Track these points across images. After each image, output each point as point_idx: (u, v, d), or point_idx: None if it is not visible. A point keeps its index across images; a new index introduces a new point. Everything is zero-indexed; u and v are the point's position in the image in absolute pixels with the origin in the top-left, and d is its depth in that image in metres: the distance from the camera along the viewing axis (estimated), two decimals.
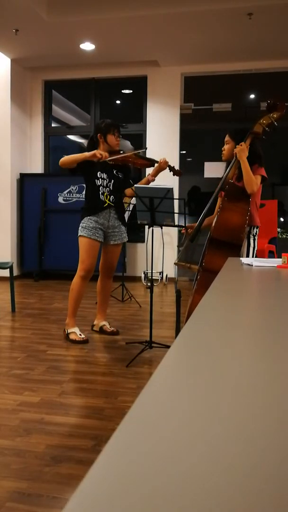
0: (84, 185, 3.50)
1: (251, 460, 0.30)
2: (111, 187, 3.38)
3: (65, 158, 3.28)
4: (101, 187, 3.36)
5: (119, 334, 3.59)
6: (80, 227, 3.38)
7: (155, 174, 3.40)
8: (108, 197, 3.37)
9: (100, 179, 3.36)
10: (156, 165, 3.36)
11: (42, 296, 5.30)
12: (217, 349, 0.57)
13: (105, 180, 3.37)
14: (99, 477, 0.28)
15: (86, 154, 3.23)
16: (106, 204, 3.36)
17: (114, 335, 3.56)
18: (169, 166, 3.38)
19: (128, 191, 3.52)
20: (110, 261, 3.52)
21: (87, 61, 6.24)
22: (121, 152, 3.42)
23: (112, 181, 3.38)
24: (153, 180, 3.43)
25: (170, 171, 3.45)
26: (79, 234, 3.38)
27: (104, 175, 3.37)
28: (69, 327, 3.42)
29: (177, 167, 6.37)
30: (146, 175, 3.53)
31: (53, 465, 1.70)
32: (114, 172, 3.40)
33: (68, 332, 3.40)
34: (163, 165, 3.32)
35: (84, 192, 3.53)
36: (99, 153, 3.19)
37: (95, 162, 3.32)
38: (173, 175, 3.52)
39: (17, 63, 6.37)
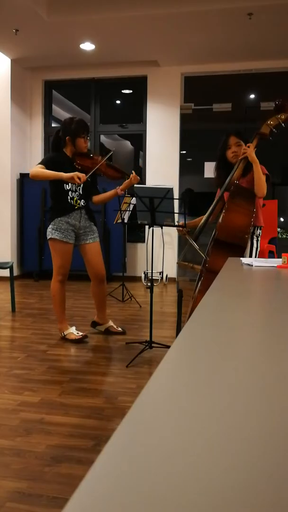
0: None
1: (251, 460, 0.30)
2: (80, 191, 3.32)
3: (37, 173, 3.12)
4: (70, 192, 3.28)
5: (126, 333, 3.59)
6: (50, 229, 3.28)
7: (124, 189, 3.31)
8: (78, 201, 3.31)
9: (69, 184, 3.26)
10: (127, 179, 3.28)
11: (42, 296, 5.30)
12: (217, 349, 0.57)
13: (74, 185, 3.28)
14: (99, 477, 0.28)
15: (63, 175, 3.09)
16: (77, 207, 3.31)
17: (122, 335, 3.56)
18: (140, 182, 3.28)
19: (94, 199, 3.43)
20: (94, 265, 3.40)
21: (87, 61, 6.24)
22: (91, 155, 3.34)
23: (82, 185, 3.29)
24: (122, 194, 3.35)
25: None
26: (49, 237, 3.28)
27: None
28: (64, 330, 3.42)
29: (176, 167, 6.43)
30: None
31: (53, 465, 1.70)
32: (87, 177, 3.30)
33: (65, 334, 3.40)
34: (134, 181, 3.24)
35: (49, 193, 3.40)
36: (77, 176, 3.06)
37: (64, 166, 3.20)
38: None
39: (17, 63, 6.37)
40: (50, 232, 3.28)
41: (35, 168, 3.17)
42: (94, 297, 3.55)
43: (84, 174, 3.12)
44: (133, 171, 3.31)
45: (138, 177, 3.28)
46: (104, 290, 3.53)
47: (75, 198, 3.30)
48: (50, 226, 3.29)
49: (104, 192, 3.47)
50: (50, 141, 3.44)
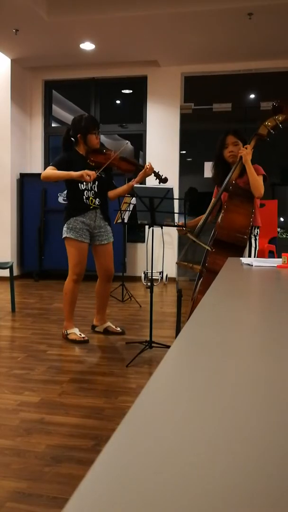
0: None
1: (251, 460, 0.30)
2: (95, 189, 3.31)
3: (48, 174, 3.15)
4: (85, 191, 3.28)
5: (125, 333, 3.59)
6: (65, 228, 3.29)
7: (139, 180, 3.26)
8: (93, 200, 3.30)
9: (84, 183, 3.27)
10: (141, 171, 3.25)
11: (42, 296, 5.30)
12: (217, 349, 0.57)
13: (89, 184, 3.28)
14: (99, 477, 0.28)
15: (73, 174, 3.11)
16: (92, 207, 3.31)
17: (121, 335, 3.55)
18: (155, 172, 3.27)
19: (110, 194, 3.41)
20: (104, 263, 3.44)
21: (87, 61, 6.24)
22: (104, 151, 3.31)
23: (97, 182, 3.30)
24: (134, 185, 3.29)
25: (156, 179, 3.33)
26: (64, 236, 3.30)
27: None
28: (68, 329, 3.42)
29: (176, 167, 6.43)
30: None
31: (53, 465, 1.70)
32: (97, 173, 3.29)
33: (68, 333, 3.40)
34: (149, 172, 3.21)
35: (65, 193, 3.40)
36: (87, 174, 3.06)
37: (76, 165, 3.21)
38: (159, 182, 3.36)
39: (17, 63, 6.37)
40: (65, 231, 3.30)
41: (46, 169, 3.20)
42: (98, 296, 3.57)
43: (94, 172, 3.11)
44: (149, 162, 3.28)
45: (153, 167, 3.24)
46: (109, 289, 3.58)
47: (90, 198, 3.29)
48: (65, 225, 3.31)
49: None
50: (60, 141, 3.43)
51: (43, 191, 6.37)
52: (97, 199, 3.32)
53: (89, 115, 3.37)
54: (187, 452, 0.30)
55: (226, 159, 2.84)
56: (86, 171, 3.09)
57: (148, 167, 3.22)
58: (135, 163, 3.36)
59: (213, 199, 2.91)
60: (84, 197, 3.28)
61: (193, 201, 7.81)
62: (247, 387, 0.43)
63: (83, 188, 3.28)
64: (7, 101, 6.29)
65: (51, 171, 3.17)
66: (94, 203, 3.31)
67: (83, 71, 6.55)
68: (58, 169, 3.19)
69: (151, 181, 3.20)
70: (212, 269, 2.54)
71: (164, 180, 3.34)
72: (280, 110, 2.73)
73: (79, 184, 3.26)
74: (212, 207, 2.86)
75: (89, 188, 3.29)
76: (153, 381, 0.43)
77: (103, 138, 7.62)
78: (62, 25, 5.11)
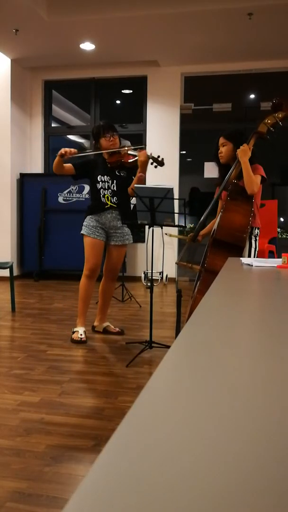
0: (84, 185, 3.51)
1: (251, 460, 0.30)
2: (114, 188, 3.35)
3: (54, 164, 3.27)
4: (101, 190, 3.35)
5: (124, 333, 3.60)
6: (83, 225, 3.40)
7: (142, 170, 3.25)
8: (110, 198, 3.34)
9: (100, 182, 3.35)
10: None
11: (42, 296, 5.30)
12: (217, 349, 0.57)
13: (106, 183, 3.35)
14: (99, 477, 0.28)
15: (60, 151, 3.18)
16: (108, 206, 3.35)
17: (120, 335, 3.56)
18: (150, 157, 3.21)
19: (129, 190, 3.41)
20: (112, 263, 3.50)
21: (87, 61, 6.24)
22: (119, 151, 3.33)
23: (115, 181, 3.36)
24: (142, 176, 3.25)
25: (152, 164, 3.25)
26: (81, 232, 3.39)
27: (106, 177, 3.34)
28: (76, 326, 3.46)
29: (176, 167, 6.43)
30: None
31: (53, 465, 1.70)
32: (116, 172, 3.37)
33: (73, 331, 3.44)
34: (142, 159, 3.19)
35: (83, 192, 3.51)
36: (64, 150, 3.15)
37: (96, 165, 3.34)
38: (155, 167, 3.28)
39: (17, 63, 6.37)
40: (82, 228, 3.39)
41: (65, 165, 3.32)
42: (101, 295, 3.60)
43: (72, 149, 3.16)
44: (142, 151, 3.24)
45: (145, 152, 3.21)
46: (113, 288, 3.62)
47: (106, 195, 3.34)
48: (84, 223, 3.39)
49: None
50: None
51: (43, 191, 6.38)
52: (115, 197, 3.35)
53: (103, 121, 3.46)
54: (187, 452, 0.30)
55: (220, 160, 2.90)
56: (65, 148, 3.17)
57: (140, 154, 3.20)
58: (135, 155, 3.33)
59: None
60: (101, 195, 3.35)
61: (196, 201, 7.82)
62: (247, 387, 0.43)
63: (99, 187, 3.35)
64: (7, 101, 6.29)
65: (55, 161, 3.23)
66: (111, 201, 3.34)
67: (83, 71, 6.55)
68: (75, 168, 3.33)
69: (151, 182, 3.20)
70: (211, 269, 2.54)
71: (161, 163, 3.23)
72: (279, 108, 2.74)
73: (97, 183, 3.35)
74: (212, 207, 2.87)
75: (106, 187, 3.35)
76: (153, 381, 0.43)
77: None
78: (62, 25, 5.11)
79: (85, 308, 3.44)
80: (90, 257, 3.36)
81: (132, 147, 3.36)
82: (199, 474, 0.28)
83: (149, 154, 3.23)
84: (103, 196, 3.34)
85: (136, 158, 3.27)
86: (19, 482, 1.59)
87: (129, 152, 3.33)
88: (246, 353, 0.57)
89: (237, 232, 2.59)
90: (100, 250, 3.39)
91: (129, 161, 3.32)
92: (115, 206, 3.36)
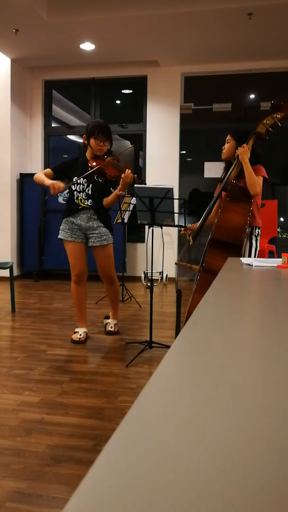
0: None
1: (251, 460, 0.30)
2: (89, 192, 3.28)
3: (36, 177, 3.21)
4: (75, 192, 3.28)
5: (118, 334, 3.59)
6: (60, 230, 3.34)
7: (123, 188, 3.18)
8: (84, 200, 3.28)
9: (75, 185, 3.27)
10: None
11: (42, 296, 5.30)
12: (217, 349, 0.57)
13: (81, 185, 3.27)
14: (99, 477, 0.28)
15: (46, 182, 3.11)
16: (81, 207, 3.28)
17: (112, 335, 3.56)
18: (135, 179, 3.15)
19: (104, 202, 3.32)
20: (100, 266, 3.40)
21: (87, 61, 6.24)
22: (105, 156, 3.26)
23: (91, 185, 3.27)
24: (122, 194, 3.22)
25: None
26: (58, 237, 3.35)
27: (82, 180, 3.26)
28: (77, 327, 3.48)
29: (176, 167, 6.43)
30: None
31: (53, 465, 1.70)
32: (95, 177, 3.28)
33: (75, 331, 3.46)
34: (125, 179, 3.12)
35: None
36: (53, 186, 3.03)
37: (76, 166, 3.27)
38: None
39: (17, 63, 6.37)
40: (59, 233, 3.34)
41: (43, 171, 3.26)
42: (107, 296, 3.63)
43: (63, 185, 3.08)
44: (127, 169, 3.17)
45: (131, 175, 3.14)
46: (114, 290, 3.56)
47: (80, 197, 3.28)
48: (60, 226, 3.35)
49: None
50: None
51: (43, 191, 6.37)
52: (89, 200, 3.29)
53: (100, 120, 3.35)
54: (187, 452, 0.30)
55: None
56: (55, 182, 3.07)
57: (124, 175, 3.12)
58: (122, 170, 3.22)
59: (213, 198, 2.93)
60: (75, 197, 3.30)
61: (197, 202, 7.82)
62: (247, 386, 0.43)
63: (73, 189, 3.30)
64: (7, 101, 6.29)
65: (40, 174, 3.22)
66: (85, 203, 3.28)
67: (83, 71, 6.55)
68: (54, 172, 3.25)
69: (151, 182, 3.19)
70: (209, 269, 2.55)
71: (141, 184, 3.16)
72: (278, 108, 2.74)
73: (72, 185, 3.29)
74: (211, 207, 2.87)
75: (81, 190, 3.28)
76: (153, 381, 0.43)
77: None
78: (62, 25, 5.11)
79: (81, 312, 3.43)
80: (73, 263, 3.33)
81: (118, 157, 3.28)
82: (199, 474, 0.28)
83: (134, 175, 3.16)
84: (77, 198, 3.28)
85: (120, 174, 3.18)
86: (19, 482, 1.59)
87: (114, 164, 3.25)
88: (246, 353, 0.57)
89: (235, 232, 2.60)
90: (82, 253, 3.34)
91: (112, 175, 3.24)
92: (90, 206, 3.29)
